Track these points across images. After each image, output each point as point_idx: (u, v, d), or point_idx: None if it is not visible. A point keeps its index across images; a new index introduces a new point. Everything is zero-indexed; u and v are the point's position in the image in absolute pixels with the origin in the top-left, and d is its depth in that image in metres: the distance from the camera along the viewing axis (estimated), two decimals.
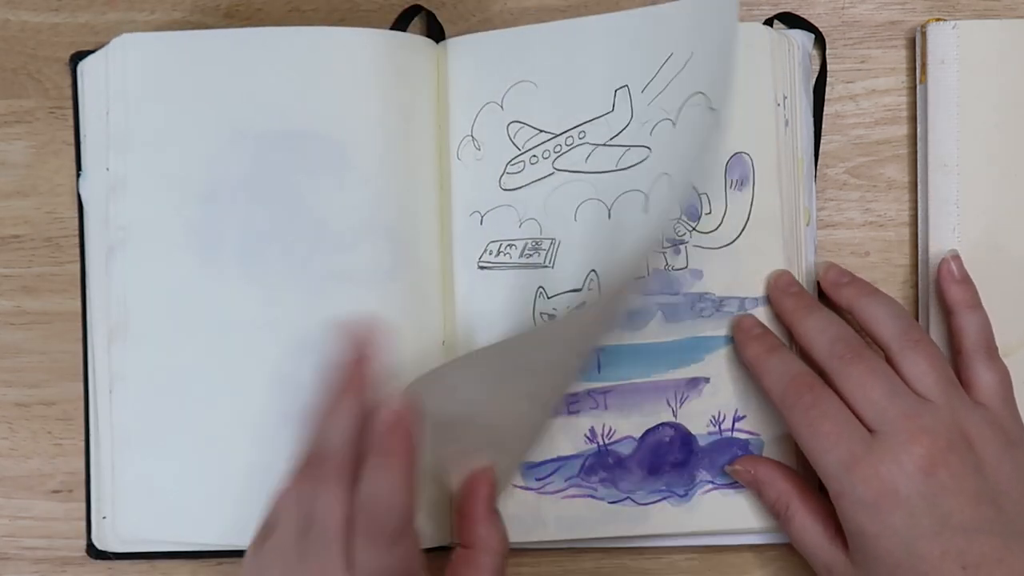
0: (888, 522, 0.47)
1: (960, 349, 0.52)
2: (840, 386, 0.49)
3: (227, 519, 0.54)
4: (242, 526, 0.53)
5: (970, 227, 0.56)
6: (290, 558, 0.46)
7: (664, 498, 0.54)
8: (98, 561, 0.56)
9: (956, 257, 0.54)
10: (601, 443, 0.55)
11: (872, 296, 0.52)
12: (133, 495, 0.54)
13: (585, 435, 0.55)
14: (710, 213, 0.55)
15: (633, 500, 0.54)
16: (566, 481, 0.55)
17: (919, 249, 0.57)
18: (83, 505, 0.56)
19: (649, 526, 0.55)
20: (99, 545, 0.55)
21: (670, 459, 0.54)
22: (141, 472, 0.54)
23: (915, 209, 0.57)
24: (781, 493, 0.52)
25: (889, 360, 0.50)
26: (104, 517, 0.55)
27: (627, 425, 0.55)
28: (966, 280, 0.53)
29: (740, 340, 0.53)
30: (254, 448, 0.54)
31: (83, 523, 0.56)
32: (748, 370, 0.53)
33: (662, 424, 0.55)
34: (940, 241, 0.56)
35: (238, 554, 0.56)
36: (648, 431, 0.55)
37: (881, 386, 0.49)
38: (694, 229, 0.55)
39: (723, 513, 0.54)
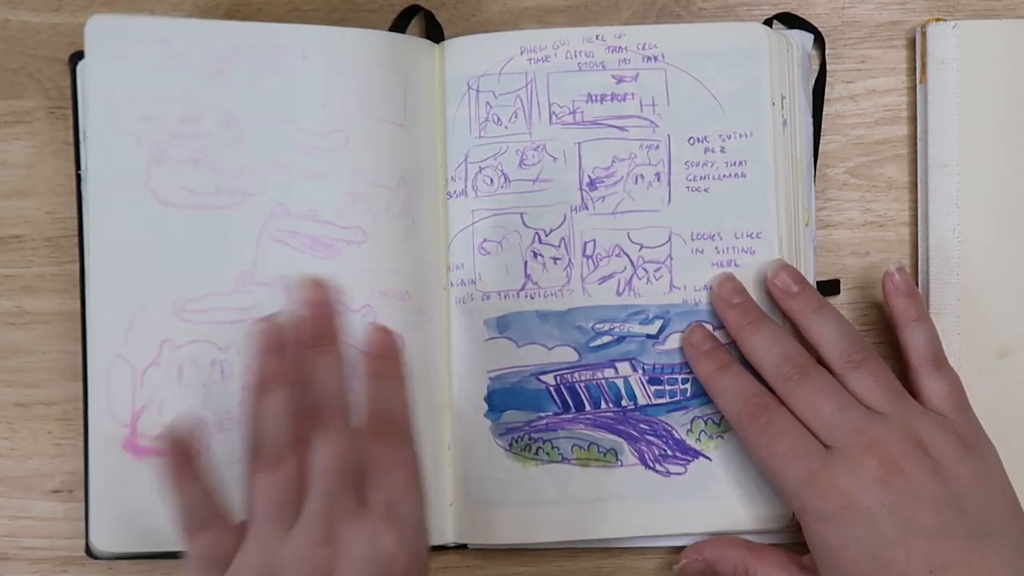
0: (851, 533, 0.47)
1: (909, 363, 0.52)
2: (791, 406, 0.50)
3: None
4: None
5: (970, 227, 0.56)
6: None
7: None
8: (98, 561, 0.56)
9: (901, 269, 0.53)
10: None
11: (818, 313, 0.52)
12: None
13: None
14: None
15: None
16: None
17: (919, 249, 0.57)
18: (83, 505, 0.56)
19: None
20: (98, 545, 0.55)
21: None
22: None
23: (915, 209, 0.57)
24: (736, 561, 0.53)
25: (837, 380, 0.51)
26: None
27: None
28: (911, 292, 0.53)
29: (691, 356, 0.54)
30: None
31: (83, 523, 0.56)
32: (702, 386, 0.53)
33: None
34: (940, 241, 0.56)
35: None
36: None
37: (830, 403, 0.49)
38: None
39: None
